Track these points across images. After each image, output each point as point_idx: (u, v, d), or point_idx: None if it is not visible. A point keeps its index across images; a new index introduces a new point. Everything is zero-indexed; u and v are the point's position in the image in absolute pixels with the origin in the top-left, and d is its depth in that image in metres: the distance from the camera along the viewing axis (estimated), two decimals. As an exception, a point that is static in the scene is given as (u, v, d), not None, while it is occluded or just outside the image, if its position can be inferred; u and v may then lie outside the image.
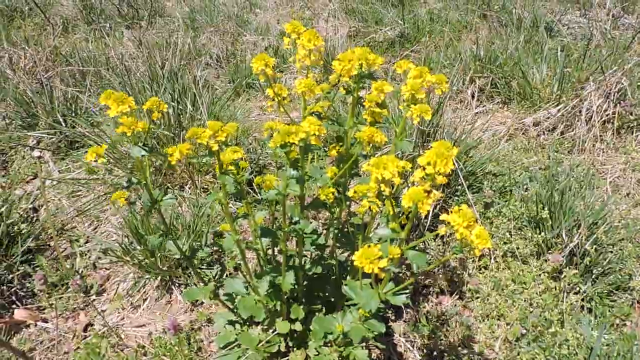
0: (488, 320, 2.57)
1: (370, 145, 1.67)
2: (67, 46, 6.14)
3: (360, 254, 1.24)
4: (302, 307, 2.12)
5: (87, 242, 3.19)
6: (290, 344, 2.23)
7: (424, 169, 1.20)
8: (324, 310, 2.23)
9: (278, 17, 7.43)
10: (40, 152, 3.92)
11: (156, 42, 6.10)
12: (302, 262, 2.06)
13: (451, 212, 1.21)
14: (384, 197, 1.38)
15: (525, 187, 3.27)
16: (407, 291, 1.54)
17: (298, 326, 2.14)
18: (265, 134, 1.69)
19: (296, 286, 2.09)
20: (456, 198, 3.09)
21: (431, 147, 1.22)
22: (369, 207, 1.61)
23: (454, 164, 1.55)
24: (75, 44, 6.35)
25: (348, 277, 2.16)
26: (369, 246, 1.25)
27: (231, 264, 2.09)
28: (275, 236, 1.84)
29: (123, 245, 2.80)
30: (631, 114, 4.08)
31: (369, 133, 1.58)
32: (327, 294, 2.25)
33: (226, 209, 1.76)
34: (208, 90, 4.91)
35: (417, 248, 1.42)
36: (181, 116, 3.80)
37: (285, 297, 2.04)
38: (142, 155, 1.55)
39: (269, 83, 1.61)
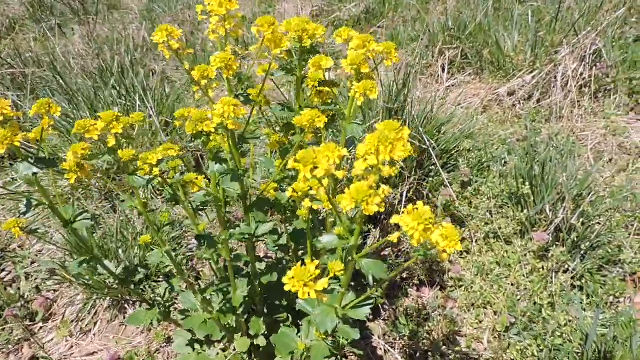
0: (474, 309, 2.37)
1: (314, 131, 1.41)
2: (11, 47, 5.70)
3: (292, 275, 0.99)
4: (262, 319, 1.88)
5: (33, 263, 2.89)
6: (256, 360, 2.00)
7: (366, 159, 0.94)
8: (290, 319, 1.99)
9: (240, 2, 7.07)
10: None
11: (107, 37, 5.70)
12: (257, 270, 1.80)
13: (403, 212, 0.96)
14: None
15: (503, 161, 3.06)
16: (371, 302, 1.30)
17: (261, 341, 1.90)
18: (177, 124, 1.44)
19: (254, 297, 1.84)
20: (430, 179, 2.86)
21: (375, 129, 0.97)
22: (314, 207, 1.36)
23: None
24: (22, 45, 5.93)
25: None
26: (304, 263, 1.00)
27: (175, 282, 1.83)
28: (214, 244, 1.58)
29: (67, 265, 2.52)
30: (607, 76, 3.90)
31: (309, 117, 1.33)
32: (291, 301, 2.01)
33: (146, 216, 1.49)
34: (164, 83, 4.59)
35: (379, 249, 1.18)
36: (130, 113, 3.48)
37: (241, 310, 1.79)
38: (34, 174, 1.27)
39: (180, 60, 1.34)
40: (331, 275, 1.08)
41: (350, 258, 1.14)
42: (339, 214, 1.11)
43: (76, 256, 2.59)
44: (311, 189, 1.21)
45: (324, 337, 1.47)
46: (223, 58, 1.29)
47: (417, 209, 0.95)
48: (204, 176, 1.60)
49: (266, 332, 1.88)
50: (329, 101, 1.54)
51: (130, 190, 2.79)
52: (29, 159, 1.28)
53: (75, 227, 1.45)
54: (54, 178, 3.18)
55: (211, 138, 1.32)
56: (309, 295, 0.97)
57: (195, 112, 1.28)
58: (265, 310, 1.95)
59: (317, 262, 1.00)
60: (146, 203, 1.55)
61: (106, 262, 1.81)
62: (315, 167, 0.94)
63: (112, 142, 1.34)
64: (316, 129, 1.35)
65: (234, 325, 1.81)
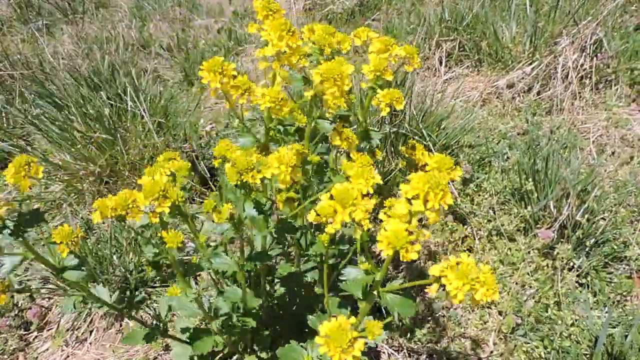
0: (478, 310, 2.32)
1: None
2: (-2, 49, 5.58)
3: (327, 332, 0.90)
4: (268, 332, 1.82)
5: (27, 270, 2.82)
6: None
7: (410, 201, 0.87)
8: (294, 328, 1.93)
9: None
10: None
11: (96, 36, 5.59)
12: (267, 289, 1.74)
13: (446, 264, 0.90)
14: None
15: (505, 156, 3.00)
16: (387, 329, 1.24)
17: (264, 355, 1.84)
18: (215, 163, 1.31)
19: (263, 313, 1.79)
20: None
21: (411, 175, 0.88)
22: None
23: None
24: (9, 46, 5.81)
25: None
26: (336, 318, 0.92)
27: (176, 304, 1.76)
28: (233, 276, 1.51)
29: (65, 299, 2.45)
30: (608, 66, 3.83)
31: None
32: (296, 310, 1.95)
33: (177, 268, 1.39)
34: (157, 82, 4.50)
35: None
36: (122, 115, 3.40)
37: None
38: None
39: (228, 100, 1.21)
40: (370, 338, 1.01)
41: (374, 292, 1.09)
42: (365, 248, 1.05)
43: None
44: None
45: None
46: (274, 98, 1.16)
47: (460, 262, 0.88)
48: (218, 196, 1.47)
49: (270, 345, 1.82)
50: (345, 107, 1.47)
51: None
52: (6, 229, 1.15)
53: (65, 276, 1.37)
54: (45, 184, 3.11)
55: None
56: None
57: (240, 159, 1.11)
58: (270, 320, 1.90)
59: (353, 320, 0.93)
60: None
61: (99, 287, 1.73)
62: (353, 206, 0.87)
63: (155, 220, 1.17)
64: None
65: (239, 341, 1.75)
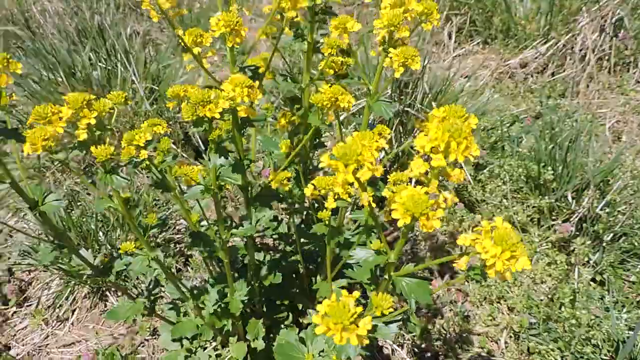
0: (487, 304, 2.19)
1: (335, 111, 1.16)
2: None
3: (326, 310, 0.74)
4: (261, 320, 1.67)
5: (8, 240, 2.64)
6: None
7: (427, 157, 0.71)
8: (290, 318, 1.79)
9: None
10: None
11: (85, -7, 5.25)
12: (256, 266, 1.58)
13: (476, 230, 0.74)
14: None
15: (519, 141, 2.83)
16: (399, 319, 1.09)
17: (259, 344, 1.69)
18: (169, 105, 1.17)
19: (253, 297, 1.63)
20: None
21: (430, 116, 0.73)
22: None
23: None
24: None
25: (318, 278, 1.71)
26: (339, 298, 0.76)
27: (162, 278, 1.61)
28: (210, 246, 1.34)
29: (39, 248, 2.27)
30: (626, 47, 3.64)
31: (331, 95, 1.07)
32: (292, 299, 1.80)
33: (129, 218, 1.25)
34: (149, 46, 4.23)
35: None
36: (111, 79, 3.17)
37: (238, 314, 1.58)
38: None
39: (170, 23, 1.06)
40: (377, 313, 0.86)
41: (386, 277, 0.92)
42: (375, 222, 0.88)
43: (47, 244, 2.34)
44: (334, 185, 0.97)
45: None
46: (228, 21, 1.01)
47: (495, 226, 0.72)
48: (200, 165, 1.33)
49: (265, 334, 1.68)
50: (342, 72, 1.28)
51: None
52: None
53: (43, 209, 1.20)
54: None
55: (214, 125, 1.06)
56: (348, 340, 0.74)
57: (194, 92, 1.00)
58: (264, 309, 1.75)
59: (356, 294, 0.77)
60: (129, 199, 1.30)
61: (82, 250, 1.58)
62: (359, 167, 0.70)
63: (82, 135, 1.05)
64: (338, 108, 1.09)
65: (230, 330, 1.60)
